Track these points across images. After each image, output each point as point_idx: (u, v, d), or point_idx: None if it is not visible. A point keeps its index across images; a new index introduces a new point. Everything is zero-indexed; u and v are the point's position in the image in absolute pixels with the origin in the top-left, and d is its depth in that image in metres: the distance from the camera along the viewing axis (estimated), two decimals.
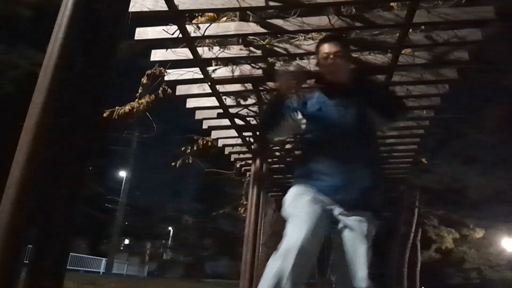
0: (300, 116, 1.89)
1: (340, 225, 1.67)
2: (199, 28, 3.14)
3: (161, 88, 4.00)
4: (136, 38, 3.27)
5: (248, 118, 4.74)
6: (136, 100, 4.19)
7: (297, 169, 1.85)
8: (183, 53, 3.50)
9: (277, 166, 6.42)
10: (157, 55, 3.63)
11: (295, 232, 1.47)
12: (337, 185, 1.66)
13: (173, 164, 5.60)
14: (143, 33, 3.28)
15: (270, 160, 5.87)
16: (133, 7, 2.85)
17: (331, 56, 1.84)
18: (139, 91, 4.09)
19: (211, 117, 4.82)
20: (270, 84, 3.94)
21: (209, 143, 5.53)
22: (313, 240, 1.48)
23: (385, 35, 3.40)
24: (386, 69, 3.76)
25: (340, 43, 1.92)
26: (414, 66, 3.74)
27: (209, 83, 3.93)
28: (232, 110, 4.62)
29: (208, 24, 3.16)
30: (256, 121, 4.85)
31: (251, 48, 3.52)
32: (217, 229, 26.54)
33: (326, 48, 1.88)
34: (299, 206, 1.60)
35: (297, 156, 1.97)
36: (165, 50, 3.57)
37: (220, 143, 5.65)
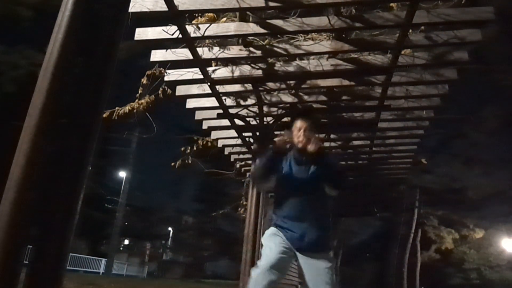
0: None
1: (301, 261, 2.20)
2: (199, 28, 3.14)
3: (161, 89, 4.01)
4: (136, 38, 3.28)
5: (248, 119, 4.74)
6: (136, 100, 4.20)
7: (272, 215, 2.35)
8: (183, 53, 3.50)
9: None
10: (157, 55, 3.63)
11: (268, 256, 2.08)
12: (295, 236, 2.18)
13: (172, 164, 5.60)
14: (143, 33, 3.28)
15: None
16: (133, 8, 2.85)
17: (301, 130, 2.26)
18: (139, 92, 4.09)
19: (211, 117, 4.82)
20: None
21: (209, 144, 5.53)
22: (278, 261, 2.06)
23: (385, 35, 3.40)
24: (385, 70, 3.76)
25: (309, 119, 2.33)
26: (414, 66, 3.74)
27: (209, 84, 3.93)
28: (232, 111, 4.62)
29: (208, 25, 3.16)
30: (256, 121, 4.85)
31: (251, 49, 3.52)
32: (217, 229, 26.54)
33: (298, 123, 2.30)
34: (272, 241, 2.18)
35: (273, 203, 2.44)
36: (165, 50, 3.58)
37: (220, 143, 5.65)
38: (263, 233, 2.32)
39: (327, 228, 2.29)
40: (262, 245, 2.25)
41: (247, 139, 5.27)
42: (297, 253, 2.19)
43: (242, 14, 3.14)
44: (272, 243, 2.16)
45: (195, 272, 27.19)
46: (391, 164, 6.85)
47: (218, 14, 3.19)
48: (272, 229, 2.28)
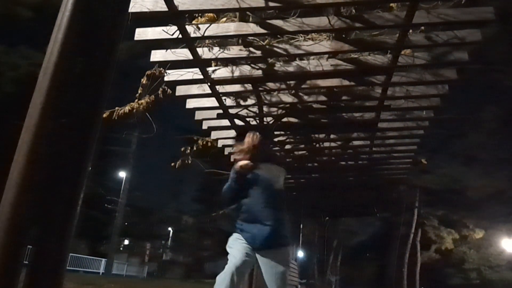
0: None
1: (259, 258, 2.47)
2: (199, 28, 3.14)
3: (161, 89, 4.00)
4: (136, 38, 3.28)
5: (248, 119, 4.74)
6: (136, 100, 4.19)
7: (235, 221, 2.60)
8: (183, 53, 3.50)
9: None
10: (157, 55, 3.63)
11: (232, 260, 2.39)
12: (251, 237, 2.46)
13: (172, 164, 5.59)
14: (143, 33, 3.28)
15: None
16: (133, 8, 2.85)
17: (253, 147, 2.49)
18: (139, 92, 4.09)
19: (211, 117, 4.82)
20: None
21: (209, 144, 5.53)
22: (242, 264, 2.39)
23: (385, 35, 3.40)
24: (385, 70, 3.76)
25: (261, 137, 2.56)
26: (414, 66, 3.74)
27: (209, 84, 3.93)
28: (232, 111, 4.62)
29: (208, 25, 3.16)
30: (256, 121, 4.85)
31: (251, 49, 3.52)
32: (217, 229, 26.52)
33: (251, 139, 2.52)
34: (234, 245, 2.48)
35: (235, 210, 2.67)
36: (165, 50, 3.58)
37: (220, 143, 5.65)
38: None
39: (281, 225, 2.53)
40: (228, 249, 2.51)
41: None
42: (256, 252, 2.47)
43: (242, 14, 3.14)
44: (235, 250, 2.44)
45: (195, 272, 27.18)
46: (391, 164, 6.85)
47: (218, 14, 3.19)
48: (233, 236, 2.56)
